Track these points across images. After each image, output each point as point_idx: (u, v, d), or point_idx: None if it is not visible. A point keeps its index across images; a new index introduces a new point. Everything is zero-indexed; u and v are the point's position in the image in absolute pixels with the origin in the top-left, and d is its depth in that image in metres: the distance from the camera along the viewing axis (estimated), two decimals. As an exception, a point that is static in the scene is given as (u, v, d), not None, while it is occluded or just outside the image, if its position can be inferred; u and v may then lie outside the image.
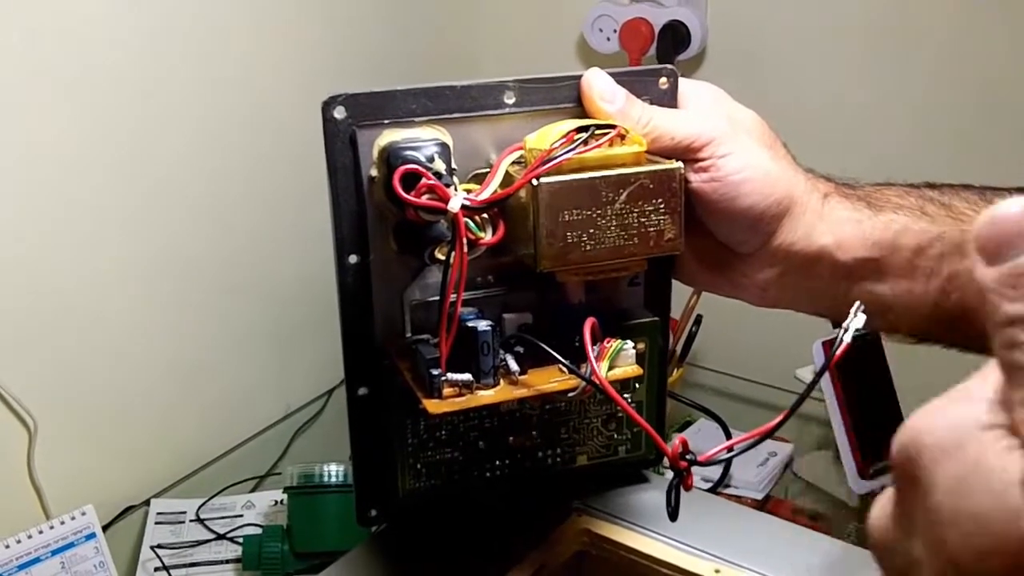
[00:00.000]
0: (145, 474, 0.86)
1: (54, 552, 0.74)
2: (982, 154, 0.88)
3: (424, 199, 0.42)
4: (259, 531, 0.79)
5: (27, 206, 0.74)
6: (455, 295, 0.42)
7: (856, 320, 0.40)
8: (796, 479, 0.90)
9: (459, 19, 1.13)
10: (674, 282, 0.52)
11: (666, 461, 0.44)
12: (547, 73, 0.46)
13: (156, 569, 0.79)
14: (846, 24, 0.95)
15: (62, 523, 0.75)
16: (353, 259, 0.46)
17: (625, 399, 0.47)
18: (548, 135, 0.43)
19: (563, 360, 0.44)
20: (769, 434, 0.41)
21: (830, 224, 0.47)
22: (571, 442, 0.53)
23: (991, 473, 0.21)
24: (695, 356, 1.00)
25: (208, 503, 0.84)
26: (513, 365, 0.45)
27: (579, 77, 0.46)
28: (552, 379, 0.45)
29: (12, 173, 0.72)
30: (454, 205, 0.41)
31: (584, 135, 0.42)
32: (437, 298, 0.44)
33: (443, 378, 0.43)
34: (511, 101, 0.46)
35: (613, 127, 0.43)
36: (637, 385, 0.52)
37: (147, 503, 0.84)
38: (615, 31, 1.02)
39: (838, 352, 0.40)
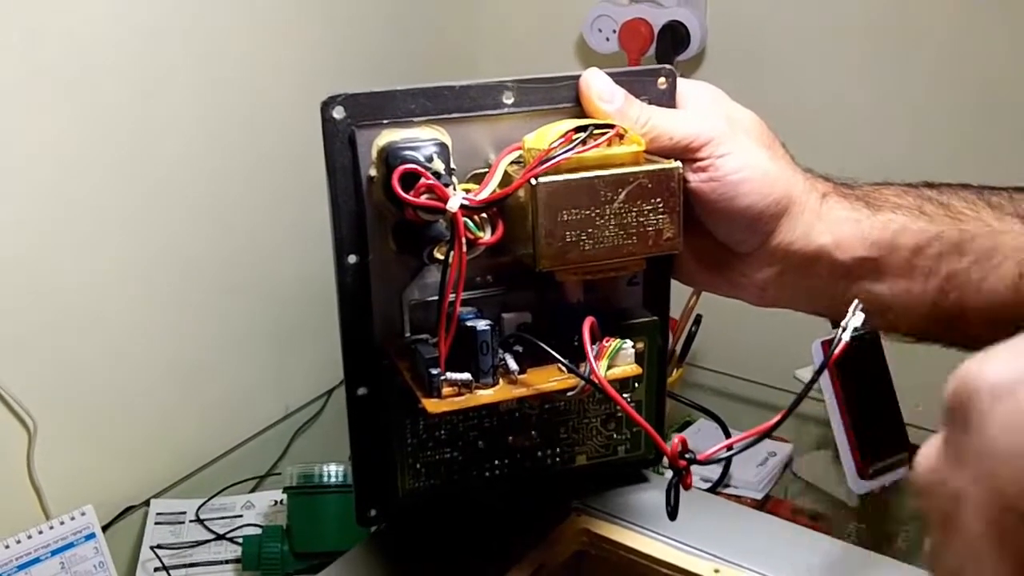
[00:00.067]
0: (145, 474, 0.86)
1: (54, 552, 0.74)
2: (981, 154, 0.88)
3: (423, 199, 0.42)
4: (259, 531, 0.79)
5: (27, 206, 0.74)
6: (454, 295, 0.43)
7: (854, 319, 0.40)
8: (796, 479, 0.90)
9: (459, 19, 1.13)
10: (673, 282, 0.52)
11: (665, 460, 0.44)
12: (546, 73, 0.46)
13: (156, 569, 0.79)
14: (846, 24, 0.95)
15: (62, 523, 0.75)
16: (352, 259, 0.46)
17: (624, 398, 0.47)
18: (547, 135, 0.43)
19: (562, 359, 0.44)
20: (768, 433, 0.41)
21: (828, 224, 0.47)
22: (570, 442, 0.53)
23: None
24: (694, 356, 1.00)
25: (208, 503, 0.84)
26: (512, 364, 0.45)
27: (578, 77, 0.46)
28: (551, 378, 0.45)
29: (12, 173, 0.72)
30: (453, 205, 0.41)
31: (583, 135, 0.43)
32: (436, 298, 0.44)
33: (442, 378, 0.43)
34: (510, 101, 0.46)
35: (612, 127, 0.43)
36: (636, 384, 0.52)
37: (147, 503, 0.84)
38: (614, 31, 1.02)
39: (836, 351, 0.40)
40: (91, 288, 0.79)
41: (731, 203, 0.46)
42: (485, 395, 0.44)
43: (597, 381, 0.44)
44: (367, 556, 0.54)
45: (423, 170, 0.42)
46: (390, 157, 0.43)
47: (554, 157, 0.42)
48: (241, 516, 0.84)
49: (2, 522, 0.74)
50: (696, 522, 0.52)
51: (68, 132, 0.75)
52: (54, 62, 0.73)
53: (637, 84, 0.47)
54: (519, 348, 0.46)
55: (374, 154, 0.44)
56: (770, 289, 0.49)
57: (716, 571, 0.50)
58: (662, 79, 0.48)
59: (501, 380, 0.45)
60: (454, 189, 0.42)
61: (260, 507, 0.85)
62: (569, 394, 0.45)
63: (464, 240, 0.42)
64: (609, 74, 0.46)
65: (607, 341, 0.46)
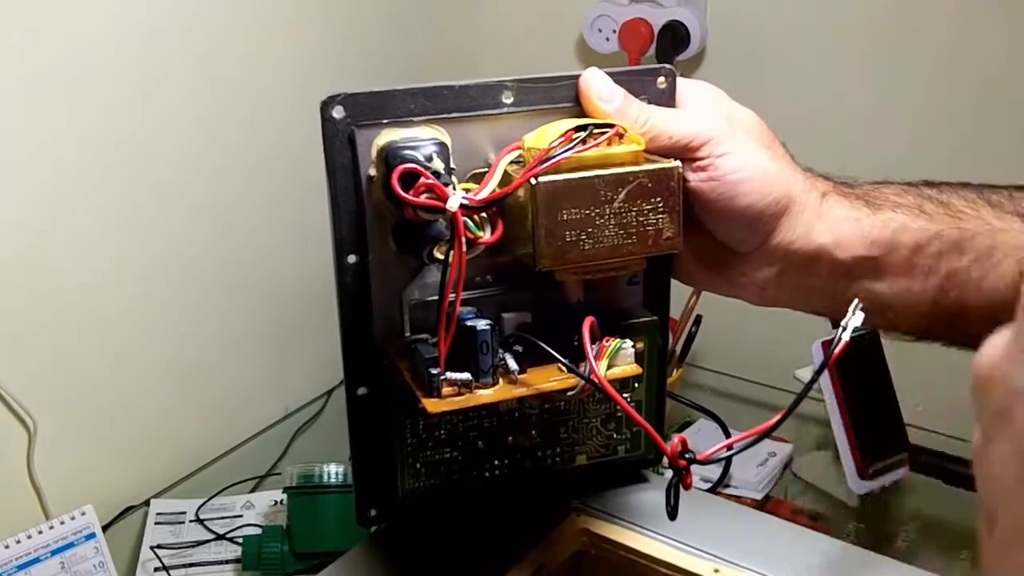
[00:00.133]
0: (145, 474, 0.86)
1: (54, 552, 0.74)
2: (981, 153, 0.88)
3: (423, 198, 0.42)
4: (259, 531, 0.79)
5: (27, 206, 0.74)
6: (454, 294, 0.42)
7: (854, 319, 0.40)
8: (796, 479, 0.90)
9: (459, 19, 1.13)
10: (673, 282, 0.52)
11: (665, 460, 0.44)
12: (546, 73, 0.46)
13: (156, 569, 0.79)
14: (846, 24, 0.95)
15: (62, 523, 0.75)
16: (352, 259, 0.46)
17: (624, 398, 0.47)
18: (546, 134, 0.43)
19: (562, 359, 0.44)
20: (768, 433, 0.41)
21: (828, 223, 0.47)
22: (570, 441, 0.53)
23: None
24: (694, 356, 1.00)
25: (208, 503, 0.84)
26: (512, 364, 0.45)
27: (577, 77, 0.46)
28: (551, 378, 0.45)
29: (12, 173, 0.72)
30: (453, 204, 0.41)
31: (582, 134, 0.43)
32: (436, 297, 0.44)
33: (442, 377, 0.43)
34: (509, 101, 0.46)
35: (611, 126, 0.43)
36: (636, 384, 0.52)
37: (147, 503, 0.84)
38: (614, 31, 1.02)
39: (836, 351, 0.40)
40: (91, 288, 0.79)
41: (731, 202, 0.46)
42: (485, 395, 0.44)
43: (597, 381, 0.44)
44: (367, 556, 0.54)
45: (423, 170, 0.42)
46: (390, 157, 0.43)
47: (554, 156, 0.42)
48: (241, 516, 0.84)
49: (2, 522, 0.74)
50: (696, 522, 0.52)
51: (68, 132, 0.75)
52: (54, 62, 0.73)
53: (637, 84, 0.47)
54: (519, 348, 0.46)
55: (374, 154, 0.44)
56: (770, 288, 0.49)
57: (716, 571, 0.50)
58: (662, 79, 0.48)
59: (501, 380, 0.45)
60: (454, 188, 0.42)
61: (260, 507, 0.85)
62: (569, 394, 0.45)
63: (464, 240, 0.42)
64: (609, 74, 0.46)
65: (607, 341, 0.46)
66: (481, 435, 0.51)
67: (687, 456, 0.44)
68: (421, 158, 0.43)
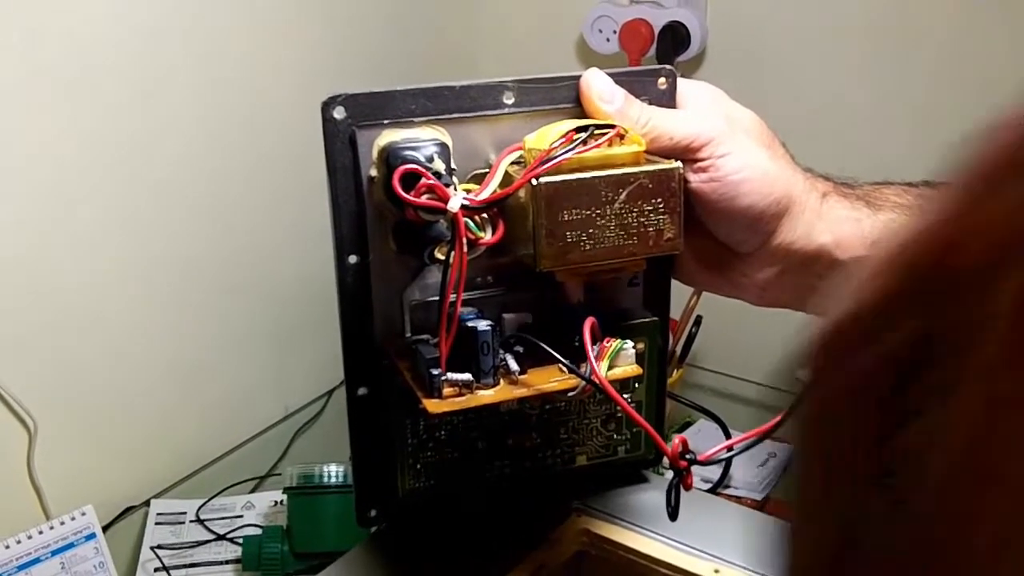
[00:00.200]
0: (145, 474, 0.86)
1: (54, 552, 0.74)
2: (982, 154, 0.88)
3: (424, 199, 0.42)
4: (259, 532, 0.79)
5: (27, 206, 0.74)
6: (455, 295, 0.42)
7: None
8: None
9: (459, 19, 1.13)
10: (674, 283, 0.52)
11: (666, 461, 0.44)
12: (546, 73, 0.46)
13: (156, 570, 0.79)
14: (846, 24, 0.95)
15: (62, 523, 0.75)
16: (353, 259, 0.46)
17: (625, 399, 0.47)
18: (547, 135, 0.43)
19: (563, 360, 0.44)
20: (768, 434, 0.41)
21: (829, 223, 0.47)
22: (571, 442, 0.53)
23: None
24: (695, 357, 1.00)
25: (208, 504, 0.84)
26: (513, 365, 0.45)
27: (578, 77, 0.46)
28: (552, 379, 0.45)
29: (12, 173, 0.72)
30: (453, 205, 0.41)
31: (583, 135, 0.43)
32: (437, 298, 0.44)
33: (443, 378, 0.43)
34: (510, 101, 0.46)
35: (612, 127, 0.43)
36: (636, 385, 0.52)
37: (147, 503, 0.84)
38: (615, 32, 1.02)
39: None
40: (91, 288, 0.79)
41: (732, 203, 0.46)
42: (486, 395, 0.44)
43: (598, 381, 0.44)
44: (367, 556, 0.54)
45: (424, 170, 0.42)
46: (391, 157, 0.43)
47: (555, 157, 0.42)
48: (241, 516, 0.84)
49: (2, 522, 0.74)
50: (696, 522, 0.52)
51: (68, 132, 0.75)
52: (54, 62, 0.73)
53: (637, 84, 0.47)
54: (520, 348, 0.46)
55: (375, 154, 0.44)
56: (770, 289, 0.49)
57: (716, 571, 0.50)
58: (662, 79, 0.48)
59: (502, 380, 0.45)
60: (455, 189, 0.42)
61: (260, 507, 0.85)
62: (570, 394, 0.45)
63: (465, 240, 0.42)
64: (609, 74, 0.46)
65: (608, 341, 0.46)
66: (482, 436, 0.51)
67: (687, 457, 0.44)
68: (422, 159, 0.43)
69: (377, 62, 1.01)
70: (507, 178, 0.43)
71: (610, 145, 0.43)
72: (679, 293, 0.54)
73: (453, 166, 0.44)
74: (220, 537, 0.81)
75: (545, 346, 0.45)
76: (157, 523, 0.83)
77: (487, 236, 0.43)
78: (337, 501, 0.75)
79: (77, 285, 0.78)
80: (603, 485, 0.56)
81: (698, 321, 0.93)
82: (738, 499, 0.84)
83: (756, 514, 0.59)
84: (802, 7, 0.97)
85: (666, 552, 0.51)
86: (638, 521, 0.54)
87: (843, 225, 0.47)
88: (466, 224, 0.42)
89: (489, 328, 0.44)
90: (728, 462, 0.78)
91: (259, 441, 0.95)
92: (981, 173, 0.17)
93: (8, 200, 0.72)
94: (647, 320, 0.50)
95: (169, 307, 0.86)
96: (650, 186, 0.43)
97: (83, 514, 0.76)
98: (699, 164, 0.45)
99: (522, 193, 0.42)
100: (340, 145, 0.44)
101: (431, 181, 0.41)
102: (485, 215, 0.43)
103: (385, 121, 0.44)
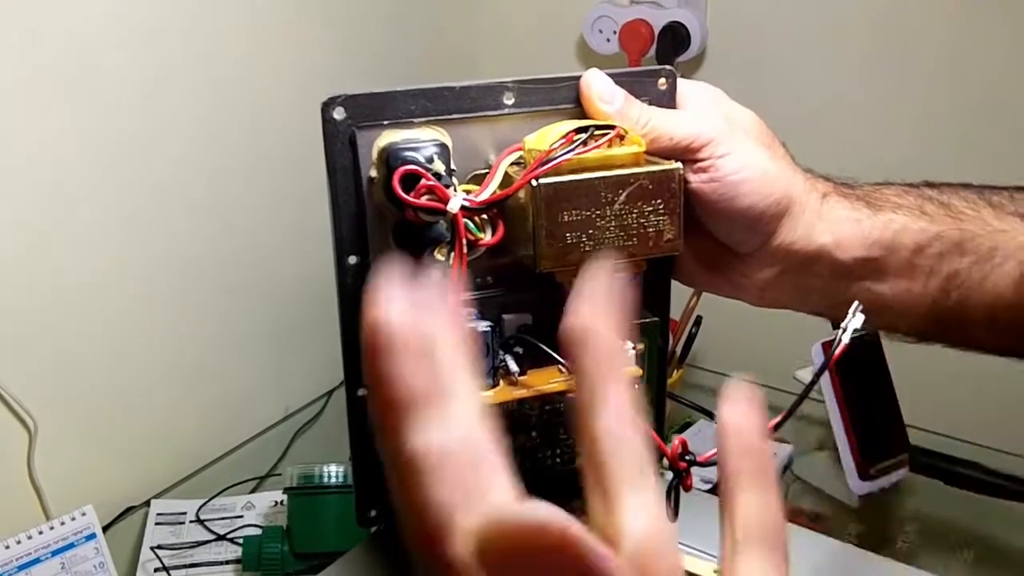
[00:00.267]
0: (145, 474, 0.86)
1: (54, 553, 0.74)
2: (982, 154, 0.88)
3: (423, 200, 0.42)
4: (259, 532, 0.79)
5: (27, 206, 0.74)
6: (454, 296, 0.42)
7: (854, 320, 0.40)
8: (796, 480, 0.90)
9: (459, 19, 1.13)
10: (674, 283, 0.52)
11: (665, 462, 0.44)
12: (546, 74, 0.46)
13: (156, 570, 0.79)
14: (846, 24, 0.95)
15: (62, 524, 0.75)
16: (352, 260, 0.46)
17: (624, 399, 0.47)
18: (547, 136, 0.43)
19: (563, 360, 0.44)
20: (768, 435, 0.41)
21: (829, 223, 0.47)
22: (570, 443, 0.53)
23: None
24: (695, 357, 1.00)
25: (208, 504, 0.84)
26: (512, 366, 0.45)
27: (578, 78, 0.46)
28: (551, 379, 0.45)
29: (12, 173, 0.72)
30: (453, 206, 0.41)
31: (583, 136, 0.43)
32: (436, 299, 0.44)
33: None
34: (510, 102, 0.46)
35: (612, 128, 0.43)
36: (636, 385, 0.52)
37: (147, 504, 0.84)
38: (615, 32, 1.02)
39: (836, 352, 0.40)
40: (91, 288, 0.79)
41: (732, 203, 0.46)
42: (485, 396, 0.44)
43: (597, 382, 0.44)
44: (367, 556, 0.54)
45: (424, 171, 0.42)
46: (391, 158, 0.43)
47: (555, 158, 0.42)
48: (241, 517, 0.84)
49: (2, 522, 0.74)
50: (696, 523, 0.52)
51: (68, 132, 0.75)
52: (54, 62, 0.73)
53: (637, 85, 0.47)
54: (519, 349, 0.46)
55: (374, 155, 0.44)
56: (770, 289, 0.49)
57: (716, 572, 0.50)
58: (662, 80, 0.48)
59: (501, 381, 0.45)
60: (455, 190, 0.42)
61: (260, 508, 0.85)
62: (569, 395, 0.45)
63: (464, 241, 0.42)
64: (609, 75, 0.46)
65: (607, 342, 0.45)
66: (481, 436, 0.51)
67: (687, 458, 0.44)
68: (422, 159, 0.43)
69: (377, 62, 1.01)
70: (507, 179, 0.43)
71: (610, 146, 0.43)
72: (679, 293, 0.54)
73: (453, 167, 0.44)
74: (220, 537, 0.81)
75: (544, 347, 0.45)
76: (157, 523, 0.83)
77: (487, 237, 0.43)
78: (337, 501, 0.75)
79: (77, 285, 0.78)
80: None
81: (698, 321, 0.92)
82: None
83: (756, 514, 0.59)
84: (802, 7, 0.97)
85: (666, 552, 0.51)
86: (638, 521, 0.53)
87: (843, 225, 0.47)
88: (466, 225, 0.42)
89: (489, 329, 0.44)
90: (728, 462, 0.78)
91: (259, 441, 0.95)
92: None
93: (8, 200, 0.72)
94: (647, 320, 0.50)
95: (169, 307, 0.86)
96: (650, 187, 0.43)
97: (83, 514, 0.76)
98: (699, 164, 0.45)
99: (522, 194, 0.42)
100: (340, 146, 0.44)
101: (431, 182, 0.41)
102: (485, 216, 0.43)
103: (385, 122, 0.44)
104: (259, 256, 0.94)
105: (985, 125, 0.90)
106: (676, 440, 0.44)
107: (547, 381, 0.45)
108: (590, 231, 0.42)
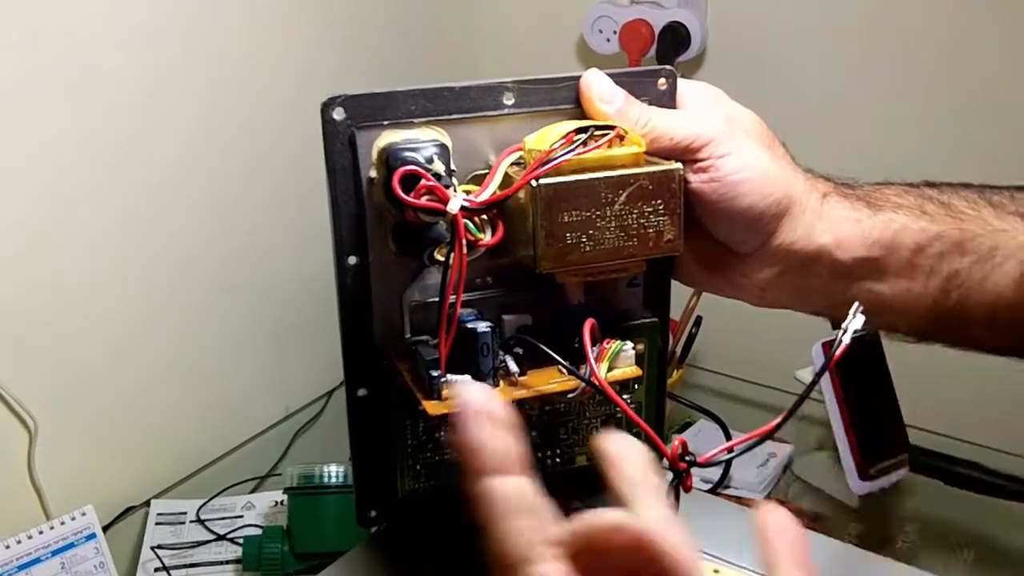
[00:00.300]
0: (145, 474, 0.86)
1: (54, 553, 0.74)
2: (982, 154, 0.88)
3: (423, 200, 0.42)
4: (259, 532, 0.79)
5: (27, 206, 0.74)
6: (454, 296, 0.42)
7: (855, 321, 0.40)
8: (796, 480, 0.90)
9: (459, 19, 1.13)
10: (674, 283, 0.52)
11: (665, 462, 0.44)
12: (546, 74, 0.46)
13: (156, 570, 0.79)
14: (846, 24, 0.95)
15: (62, 523, 0.75)
16: (352, 260, 0.46)
17: (624, 400, 0.47)
18: (547, 136, 0.43)
19: (562, 361, 0.44)
20: (768, 435, 0.41)
21: (829, 223, 0.47)
22: (570, 443, 0.53)
23: None
24: (695, 357, 1.00)
25: (208, 504, 0.84)
26: (512, 366, 0.45)
27: (578, 78, 0.46)
28: (551, 380, 0.45)
29: (12, 173, 0.72)
30: (453, 206, 0.41)
31: (583, 136, 0.42)
32: (436, 299, 0.44)
33: (443, 379, 0.43)
34: (510, 102, 0.46)
35: (612, 128, 0.43)
36: (636, 386, 0.52)
37: (147, 504, 0.84)
38: (615, 32, 1.02)
39: (837, 353, 0.40)
40: (91, 288, 0.79)
41: (732, 203, 0.46)
42: (485, 396, 0.44)
43: (597, 383, 0.44)
44: (367, 556, 0.54)
45: (423, 171, 0.42)
46: (390, 158, 0.43)
47: (555, 158, 0.42)
48: (241, 517, 0.84)
49: (2, 522, 0.74)
50: (696, 523, 0.52)
51: (68, 132, 0.75)
52: (54, 62, 0.73)
53: (637, 85, 0.47)
54: (519, 350, 0.46)
55: (374, 155, 0.44)
56: (770, 289, 0.49)
57: (716, 572, 0.50)
58: (662, 80, 0.48)
59: (501, 382, 0.45)
60: (454, 190, 0.42)
61: (260, 508, 0.85)
62: (569, 396, 0.45)
63: (464, 242, 0.42)
64: (609, 75, 0.46)
65: (607, 343, 0.45)
66: (481, 436, 0.51)
67: (687, 459, 0.44)
68: (422, 160, 0.43)
69: (377, 62, 1.01)
70: (507, 179, 0.43)
71: (610, 146, 0.43)
72: (679, 293, 0.54)
73: (453, 167, 0.44)
74: (220, 537, 0.81)
75: (544, 348, 0.45)
76: (157, 523, 0.83)
77: (487, 237, 0.43)
78: (337, 501, 0.75)
79: (77, 285, 0.78)
80: (603, 486, 0.56)
81: (698, 321, 0.93)
82: (738, 499, 0.84)
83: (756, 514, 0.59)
84: (802, 7, 0.97)
85: (666, 553, 0.51)
86: (638, 522, 0.53)
87: (843, 225, 0.47)
88: (466, 225, 0.42)
89: (489, 329, 0.44)
90: (728, 463, 0.78)
91: (259, 441, 0.95)
92: None
93: (8, 200, 0.72)
94: (647, 321, 0.50)
95: (169, 307, 0.86)
96: (650, 187, 0.43)
97: (83, 514, 0.76)
98: (699, 164, 0.45)
99: (522, 194, 0.42)
100: (340, 146, 0.44)
101: (431, 182, 0.41)
102: (485, 216, 0.43)
103: (385, 122, 0.44)
104: (259, 256, 0.94)
105: (985, 125, 0.90)
106: (676, 440, 0.44)
107: (547, 382, 0.45)
108: (590, 231, 0.42)
